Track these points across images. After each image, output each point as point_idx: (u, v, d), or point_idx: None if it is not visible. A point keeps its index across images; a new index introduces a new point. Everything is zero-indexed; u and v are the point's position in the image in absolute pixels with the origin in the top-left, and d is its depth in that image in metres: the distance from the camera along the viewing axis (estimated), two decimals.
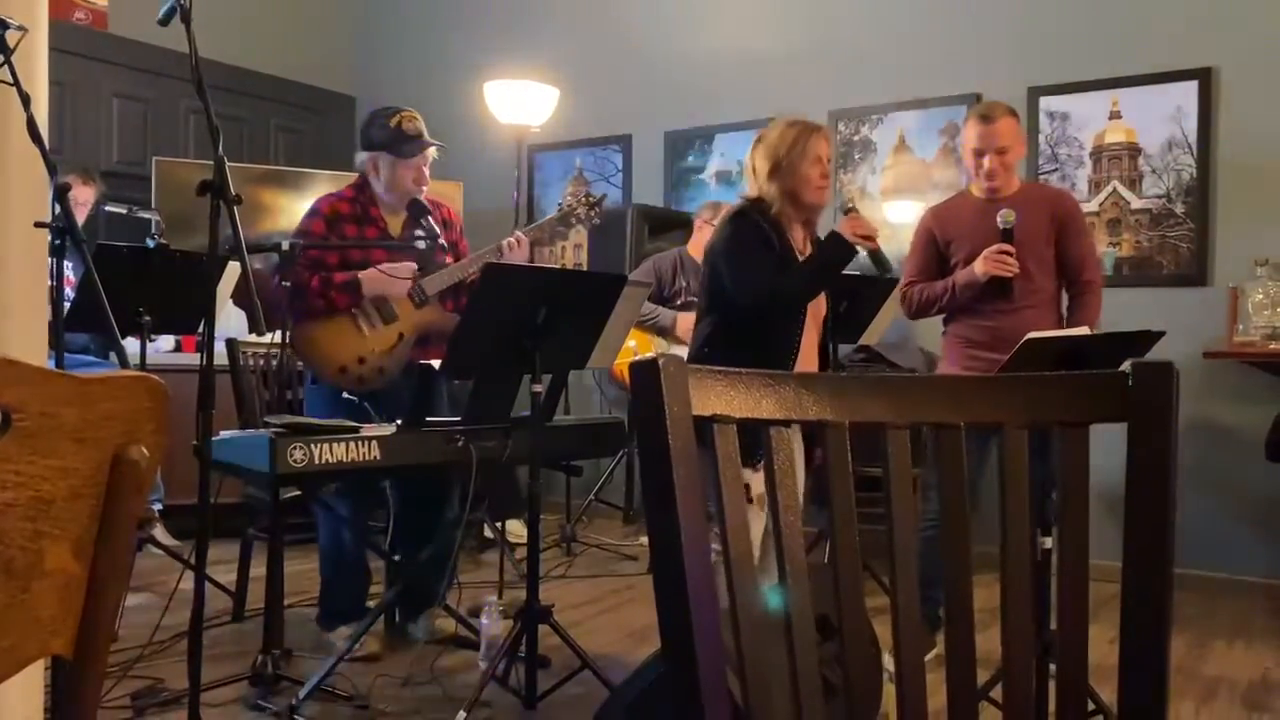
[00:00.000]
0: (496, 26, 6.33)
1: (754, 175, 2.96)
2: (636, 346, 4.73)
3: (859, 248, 2.84)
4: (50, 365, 2.34)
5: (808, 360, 2.96)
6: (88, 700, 0.92)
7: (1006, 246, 3.17)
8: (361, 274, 3.28)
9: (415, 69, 6.60)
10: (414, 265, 3.33)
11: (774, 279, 2.83)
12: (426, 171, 3.43)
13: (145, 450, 0.88)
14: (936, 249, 3.39)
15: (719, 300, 2.92)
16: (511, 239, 3.36)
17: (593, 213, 3.47)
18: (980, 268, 3.20)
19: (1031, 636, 1.05)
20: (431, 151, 3.43)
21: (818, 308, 2.99)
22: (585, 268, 5.71)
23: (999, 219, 3.18)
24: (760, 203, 2.93)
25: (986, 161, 3.28)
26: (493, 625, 3.07)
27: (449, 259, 3.42)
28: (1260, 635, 3.69)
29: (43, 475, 0.81)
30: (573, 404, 5.27)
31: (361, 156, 3.43)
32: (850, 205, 2.95)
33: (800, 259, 2.93)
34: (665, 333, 4.77)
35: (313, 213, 3.40)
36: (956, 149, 4.85)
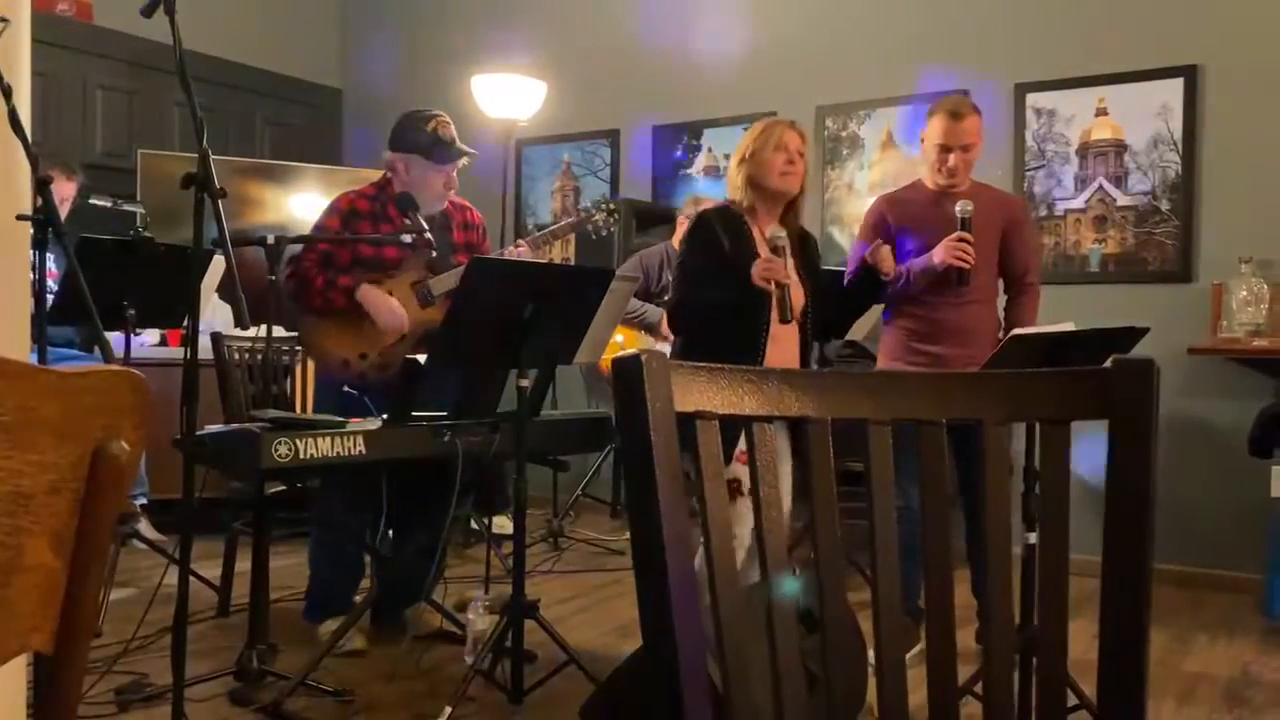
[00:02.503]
0: (484, 19, 6.32)
1: (730, 175, 3.05)
2: (624, 342, 4.73)
3: (766, 290, 2.83)
4: (33, 360, 2.33)
5: (786, 355, 2.96)
6: (69, 696, 0.91)
7: (966, 235, 3.18)
8: (362, 287, 3.29)
9: (402, 62, 6.58)
10: (404, 324, 3.31)
11: (685, 291, 2.96)
12: (454, 176, 3.45)
13: (126, 444, 0.88)
14: (888, 236, 3.38)
15: (674, 292, 3.04)
16: (512, 247, 3.37)
17: (612, 219, 3.49)
18: (940, 255, 3.20)
19: (1012, 631, 1.05)
20: (463, 159, 3.44)
21: (795, 302, 2.99)
22: (572, 262, 5.71)
23: (958, 209, 3.19)
24: (728, 207, 2.99)
25: (952, 158, 3.29)
26: (479, 620, 3.07)
27: (462, 258, 3.42)
28: (1242, 631, 3.72)
29: (21, 470, 0.80)
30: (560, 399, 5.27)
31: (388, 155, 3.44)
32: (780, 243, 2.89)
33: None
34: (652, 329, 4.77)
35: (331, 209, 3.42)
36: None
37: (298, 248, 3.31)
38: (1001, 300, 3.50)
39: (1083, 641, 1.35)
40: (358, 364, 3.33)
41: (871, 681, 1.08)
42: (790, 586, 0.97)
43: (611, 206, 3.48)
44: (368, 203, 3.41)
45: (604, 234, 3.56)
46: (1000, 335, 3.38)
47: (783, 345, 2.94)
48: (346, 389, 3.30)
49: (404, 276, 3.37)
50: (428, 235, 3.37)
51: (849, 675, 1.02)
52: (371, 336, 3.32)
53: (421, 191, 3.40)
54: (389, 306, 3.30)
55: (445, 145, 3.39)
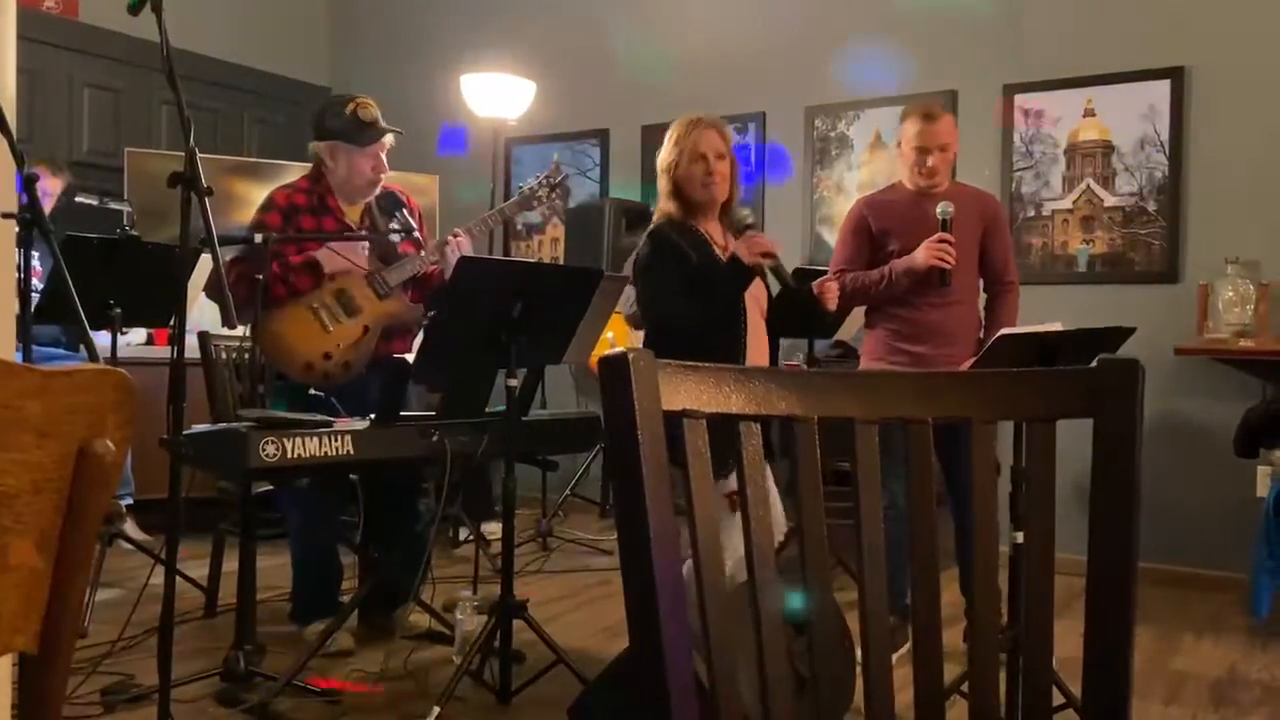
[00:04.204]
0: (473, 19, 6.30)
1: (659, 186, 2.96)
2: (614, 339, 4.72)
3: (761, 266, 2.76)
4: (18, 359, 2.31)
5: (758, 353, 2.93)
6: (53, 696, 0.91)
7: (948, 236, 3.19)
8: (318, 253, 3.23)
9: (391, 61, 6.56)
10: (363, 246, 3.26)
11: (676, 304, 2.81)
12: (384, 159, 3.40)
13: (111, 444, 0.87)
14: (869, 238, 3.39)
15: (650, 310, 2.94)
16: (451, 237, 3.32)
17: (554, 194, 3.42)
18: (921, 256, 3.21)
19: (999, 630, 1.06)
20: (389, 139, 3.39)
21: (759, 299, 2.95)
22: (562, 261, 5.70)
23: (939, 210, 3.21)
24: (672, 218, 2.91)
25: (930, 159, 3.31)
26: (467, 620, 3.07)
27: (411, 249, 3.39)
28: (1228, 630, 3.73)
29: (4, 469, 0.80)
30: (549, 398, 5.26)
31: (316, 146, 3.37)
32: (747, 222, 2.85)
33: (723, 259, 2.87)
34: None
35: (268, 205, 3.33)
36: None
37: (236, 249, 3.16)
38: (981, 299, 3.51)
39: (1070, 641, 1.35)
40: (321, 365, 3.25)
41: (859, 681, 1.08)
42: (778, 587, 0.97)
43: (555, 181, 3.43)
44: (305, 196, 3.34)
45: (548, 206, 3.50)
46: (981, 335, 3.39)
47: (756, 342, 2.92)
48: (313, 391, 3.25)
49: (356, 270, 3.32)
50: (417, 235, 3.36)
51: (836, 675, 1.02)
52: (334, 335, 3.27)
53: (350, 178, 3.34)
54: (340, 251, 3.22)
55: (366, 126, 3.30)
